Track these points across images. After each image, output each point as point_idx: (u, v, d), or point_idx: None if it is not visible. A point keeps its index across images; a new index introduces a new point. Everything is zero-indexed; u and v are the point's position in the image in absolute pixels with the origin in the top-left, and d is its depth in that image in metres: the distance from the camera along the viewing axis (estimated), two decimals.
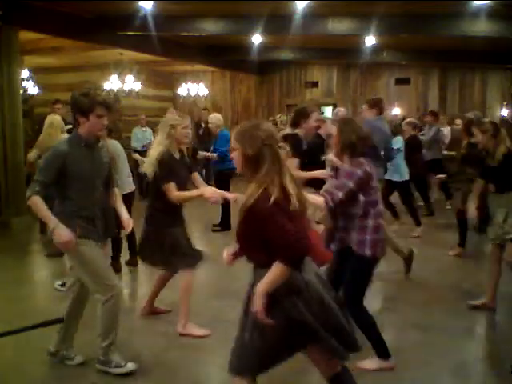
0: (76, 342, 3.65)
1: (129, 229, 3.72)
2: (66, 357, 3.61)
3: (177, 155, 4.22)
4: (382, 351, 3.54)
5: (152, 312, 4.63)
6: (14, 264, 6.35)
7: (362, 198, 3.38)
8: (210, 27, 9.97)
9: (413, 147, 8.20)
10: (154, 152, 4.14)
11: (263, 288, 2.30)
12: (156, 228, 4.15)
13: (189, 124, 4.25)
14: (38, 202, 3.19)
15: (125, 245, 5.98)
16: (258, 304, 2.30)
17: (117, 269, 5.68)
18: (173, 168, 4.09)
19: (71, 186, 3.29)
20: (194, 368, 3.66)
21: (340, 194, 3.31)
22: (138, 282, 5.99)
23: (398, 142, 7.71)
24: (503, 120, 13.91)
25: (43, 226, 6.58)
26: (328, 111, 15.07)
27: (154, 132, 4.74)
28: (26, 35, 8.90)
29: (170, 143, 4.14)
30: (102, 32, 9.70)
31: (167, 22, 9.64)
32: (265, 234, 2.28)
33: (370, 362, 3.55)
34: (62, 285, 5.06)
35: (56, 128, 6.33)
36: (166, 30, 9.96)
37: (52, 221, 3.19)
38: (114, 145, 5.69)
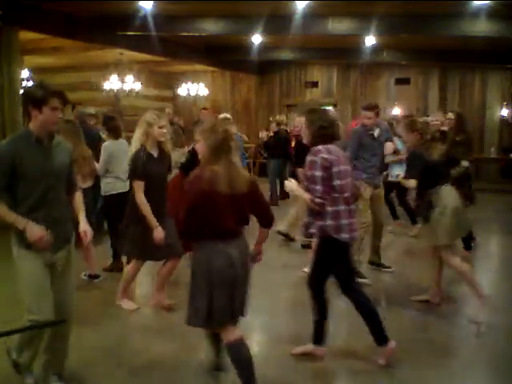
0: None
1: (86, 241, 3.26)
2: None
3: (155, 152, 4.37)
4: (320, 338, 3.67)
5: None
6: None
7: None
8: (210, 27, 9.98)
9: None
10: (132, 148, 4.36)
11: None
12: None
13: (165, 124, 4.42)
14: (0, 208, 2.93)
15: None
16: None
17: (118, 268, 5.70)
18: (145, 165, 4.24)
19: (20, 187, 2.94)
20: (194, 367, 3.66)
21: (317, 187, 3.41)
22: (137, 282, 5.98)
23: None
24: (503, 120, 13.95)
25: None
26: None
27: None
28: (26, 35, 8.90)
29: (146, 140, 4.31)
30: (102, 32, 9.73)
31: (167, 21, 9.65)
32: None
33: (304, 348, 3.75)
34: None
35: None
36: (165, 30, 9.97)
37: (20, 220, 2.90)
38: (119, 144, 5.70)
